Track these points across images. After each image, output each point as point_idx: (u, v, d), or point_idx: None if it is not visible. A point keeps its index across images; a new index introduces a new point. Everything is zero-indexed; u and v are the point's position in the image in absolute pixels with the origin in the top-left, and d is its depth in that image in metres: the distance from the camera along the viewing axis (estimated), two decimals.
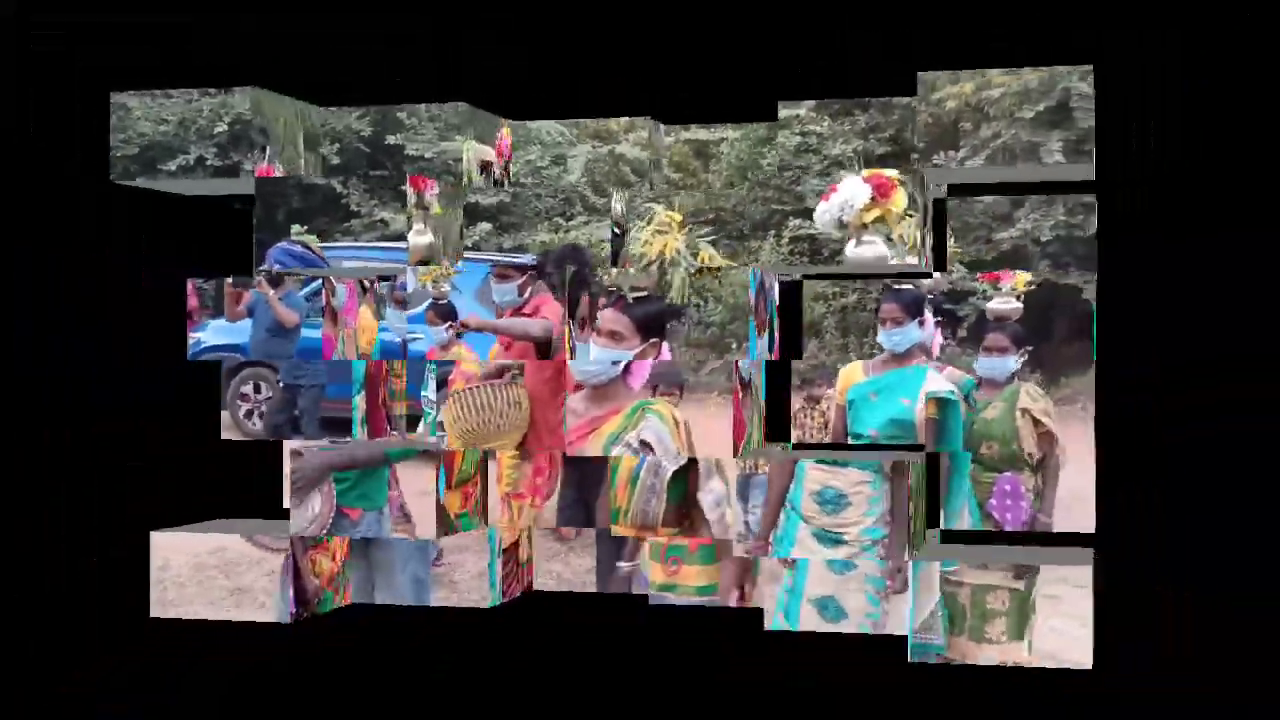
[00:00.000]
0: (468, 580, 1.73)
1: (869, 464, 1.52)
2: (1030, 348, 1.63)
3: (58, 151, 2.24)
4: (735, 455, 1.53)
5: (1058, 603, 1.59)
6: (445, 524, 1.66)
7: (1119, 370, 2.39)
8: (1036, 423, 1.66)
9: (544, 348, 1.57)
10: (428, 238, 1.62)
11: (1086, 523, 1.77)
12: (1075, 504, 1.76)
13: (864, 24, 2.45)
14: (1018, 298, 1.64)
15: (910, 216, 1.56)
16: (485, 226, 1.60)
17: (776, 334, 1.67)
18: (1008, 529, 1.77)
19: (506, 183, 1.79)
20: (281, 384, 1.77)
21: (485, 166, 1.80)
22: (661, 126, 1.77)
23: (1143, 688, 2.27)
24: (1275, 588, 2.31)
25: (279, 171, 1.66)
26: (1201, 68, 2.40)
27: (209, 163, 1.61)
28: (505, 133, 1.82)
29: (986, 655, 1.58)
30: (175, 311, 2.24)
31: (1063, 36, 2.44)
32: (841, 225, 1.59)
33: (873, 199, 1.56)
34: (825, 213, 1.60)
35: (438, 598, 1.74)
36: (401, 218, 1.56)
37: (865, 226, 1.56)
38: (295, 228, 1.60)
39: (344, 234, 1.59)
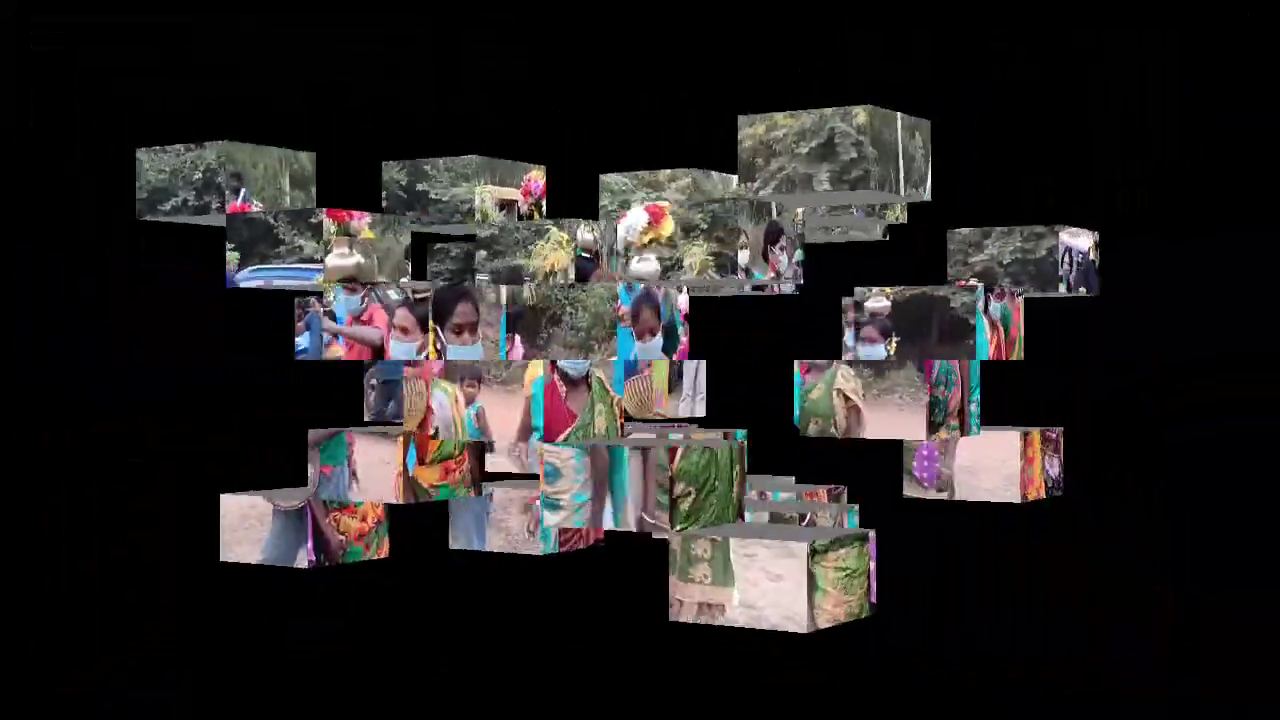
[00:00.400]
0: (518, 528, 2.04)
1: (577, 445, 1.77)
2: (897, 339, 1.92)
3: (58, 152, 2.24)
4: (547, 441, 1.78)
5: (754, 559, 1.73)
6: (416, 493, 1.88)
7: (1118, 371, 2.39)
8: (847, 399, 1.89)
9: (379, 350, 1.87)
10: (354, 259, 1.90)
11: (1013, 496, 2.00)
12: (1003, 479, 2.01)
13: (865, 25, 2.45)
14: (887, 297, 1.93)
15: (693, 242, 1.79)
16: (482, 254, 1.92)
17: (683, 338, 1.94)
18: (925, 485, 2.05)
19: (538, 216, 2.11)
20: (383, 380, 2.06)
21: (507, 205, 2.06)
22: (713, 174, 2.06)
23: (1143, 688, 2.27)
24: (1275, 588, 2.31)
25: (255, 208, 1.95)
26: (1201, 68, 2.40)
27: (189, 203, 1.95)
28: (535, 175, 2.09)
29: (690, 594, 1.75)
30: (176, 311, 2.24)
31: (1063, 36, 2.44)
32: (627, 245, 1.84)
33: (648, 224, 1.81)
34: (615, 235, 1.88)
35: (492, 542, 2.05)
36: (313, 244, 1.88)
37: (643, 246, 1.80)
38: (229, 245, 1.93)
39: (275, 257, 1.90)
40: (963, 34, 2.45)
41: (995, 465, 2.04)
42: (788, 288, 2.00)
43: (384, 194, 2.08)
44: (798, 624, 1.73)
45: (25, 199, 2.22)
